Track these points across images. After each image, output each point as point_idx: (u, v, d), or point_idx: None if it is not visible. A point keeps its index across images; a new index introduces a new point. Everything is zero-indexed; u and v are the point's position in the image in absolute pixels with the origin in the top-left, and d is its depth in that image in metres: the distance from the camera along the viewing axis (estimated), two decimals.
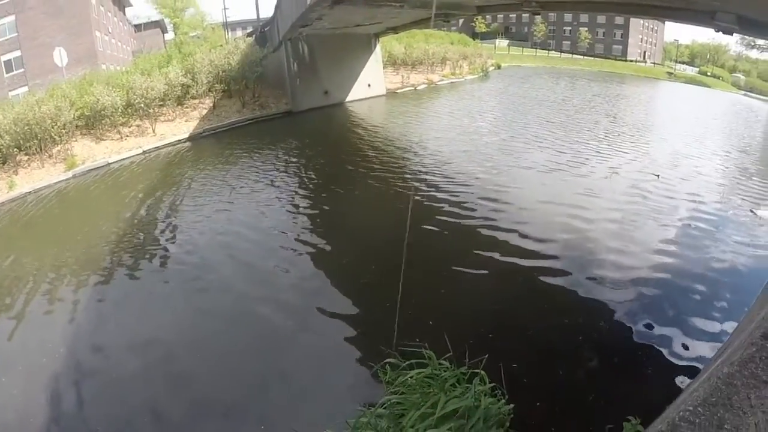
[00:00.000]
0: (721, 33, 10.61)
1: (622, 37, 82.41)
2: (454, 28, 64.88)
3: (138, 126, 22.20)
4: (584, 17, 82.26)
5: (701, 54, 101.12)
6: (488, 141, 19.36)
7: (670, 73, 74.63)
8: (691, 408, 2.45)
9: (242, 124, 25.14)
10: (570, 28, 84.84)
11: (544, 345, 6.65)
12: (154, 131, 22.17)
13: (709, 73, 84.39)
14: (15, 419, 6.17)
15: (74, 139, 19.86)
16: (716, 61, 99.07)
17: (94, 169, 18.67)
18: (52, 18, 37.25)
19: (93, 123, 20.78)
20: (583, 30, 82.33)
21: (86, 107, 20.38)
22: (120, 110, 21.20)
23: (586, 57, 73.92)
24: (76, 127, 20.09)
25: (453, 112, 26.75)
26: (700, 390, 2.58)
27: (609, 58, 75.74)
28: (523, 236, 10.15)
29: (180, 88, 24.13)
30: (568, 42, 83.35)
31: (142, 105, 21.87)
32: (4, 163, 17.67)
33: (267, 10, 45.20)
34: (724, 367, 2.60)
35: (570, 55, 73.46)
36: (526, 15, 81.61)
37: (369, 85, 31.81)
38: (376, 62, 32.54)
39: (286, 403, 6.00)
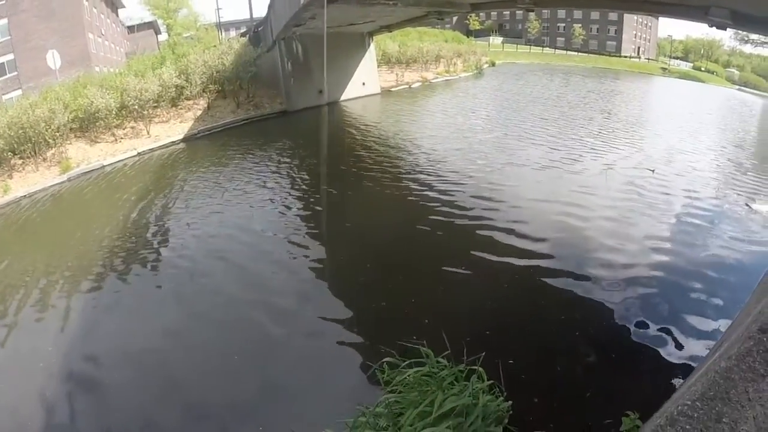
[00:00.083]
0: (714, 28, 10.63)
1: (616, 33, 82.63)
2: (448, 25, 65.01)
3: (132, 128, 22.13)
4: (578, 13, 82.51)
5: (695, 49, 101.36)
6: (483, 138, 19.34)
7: (664, 69, 74.91)
8: (689, 402, 2.45)
9: (237, 124, 25.10)
10: (564, 24, 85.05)
11: (542, 341, 6.64)
12: (148, 133, 22.12)
13: (703, 69, 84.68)
14: (9, 427, 6.14)
15: (68, 142, 19.79)
16: (710, 56, 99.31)
17: (89, 171, 18.62)
18: (44, 20, 37.13)
19: (87, 125, 20.71)
20: (577, 26, 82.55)
21: (80, 110, 20.31)
22: (114, 112, 21.11)
23: (580, 53, 73.94)
24: (71, 129, 20.01)
25: (447, 110, 26.74)
26: (698, 384, 2.58)
27: (603, 55, 75.92)
28: (519, 234, 10.13)
29: (174, 89, 24.05)
30: (562, 38, 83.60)
31: (136, 107, 21.80)
32: None
33: (260, 10, 45.23)
34: (722, 361, 2.60)
35: (564, 52, 73.48)
36: (520, 12, 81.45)
37: (363, 84, 31.79)
38: (371, 61, 32.52)
39: (285, 404, 5.98)
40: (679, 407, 2.45)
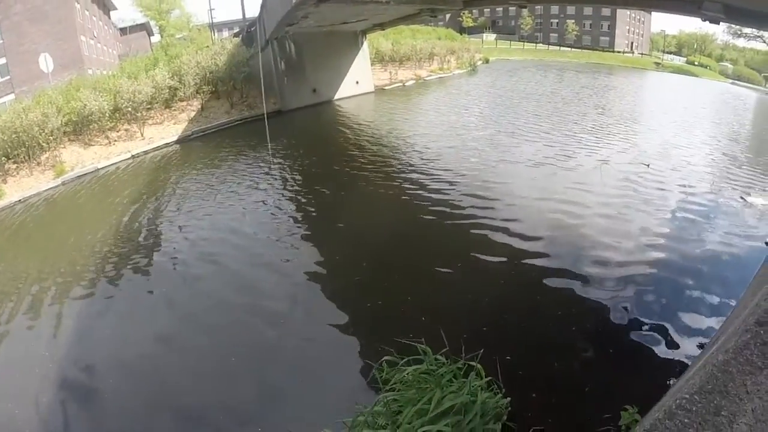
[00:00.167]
0: (707, 22, 10.65)
1: (609, 29, 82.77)
2: (441, 23, 65.00)
3: (126, 130, 22.05)
4: (571, 9, 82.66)
5: (688, 44, 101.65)
6: (476, 136, 19.33)
7: (657, 64, 74.99)
8: (687, 396, 2.44)
9: (231, 124, 25.03)
10: (557, 20, 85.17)
11: (539, 337, 6.64)
12: (142, 135, 22.05)
13: (696, 63, 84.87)
14: None
15: (62, 145, 19.70)
16: (703, 50, 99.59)
17: (83, 175, 18.54)
18: (37, 24, 37.00)
19: (81, 128, 20.61)
20: (570, 22, 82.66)
21: (73, 113, 20.21)
22: (107, 115, 21.02)
23: (573, 49, 74.06)
24: (64, 133, 19.91)
25: (441, 108, 26.73)
26: (696, 378, 2.58)
27: (596, 50, 75.97)
28: (514, 231, 10.13)
29: (167, 90, 23.97)
30: (556, 34, 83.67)
31: (130, 109, 21.71)
32: None
33: (253, 10, 45.11)
34: (719, 355, 2.59)
35: (557, 48, 73.58)
36: (513, 8, 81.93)
37: (357, 83, 31.74)
38: (364, 59, 32.47)
39: (283, 405, 5.96)
40: (678, 401, 2.45)
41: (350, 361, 6.45)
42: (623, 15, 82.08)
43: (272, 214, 12.48)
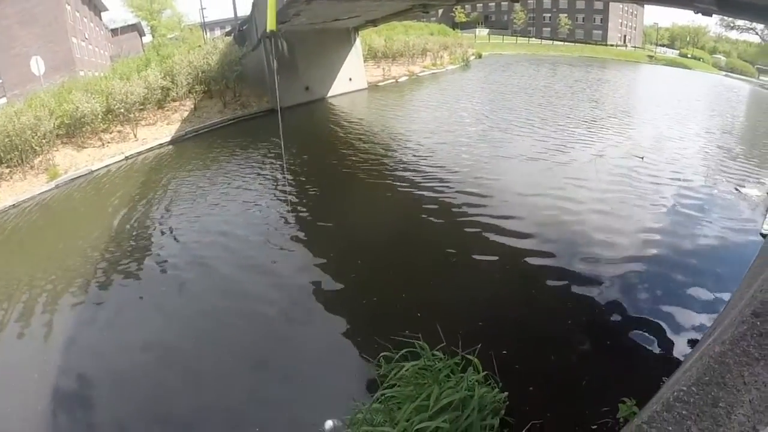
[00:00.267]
0: (700, 15, 10.63)
1: (601, 22, 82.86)
2: (433, 18, 64.93)
3: (119, 132, 21.92)
4: (563, 3, 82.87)
5: (681, 36, 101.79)
6: (470, 131, 19.32)
7: (650, 57, 75.08)
8: (684, 388, 2.44)
9: (224, 124, 24.91)
10: (549, 14, 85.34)
11: (535, 331, 6.65)
12: (135, 136, 21.93)
13: (689, 55, 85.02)
14: None
15: (55, 148, 19.56)
16: (696, 43, 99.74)
17: (77, 178, 18.40)
18: (27, 26, 36.81)
19: (74, 131, 20.46)
20: (563, 16, 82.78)
21: (66, 115, 20.05)
22: (100, 116, 20.85)
23: (566, 43, 74.10)
24: (57, 136, 19.75)
25: (434, 104, 26.70)
26: (693, 369, 2.57)
27: (589, 44, 76.08)
28: (508, 226, 10.13)
29: (160, 91, 23.81)
30: (548, 29, 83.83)
31: (122, 110, 21.55)
32: None
33: (245, 9, 45.00)
34: (716, 346, 2.59)
35: (550, 42, 73.60)
36: (506, 3, 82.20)
37: (350, 79, 31.69)
38: (357, 56, 32.41)
39: (281, 405, 5.95)
40: (675, 393, 2.45)
41: (347, 358, 6.45)
42: (616, 8, 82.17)
43: (265, 214, 12.37)
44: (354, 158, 16.27)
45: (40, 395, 6.68)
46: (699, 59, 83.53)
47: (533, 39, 74.46)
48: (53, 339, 8.13)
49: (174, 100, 24.73)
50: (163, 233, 11.96)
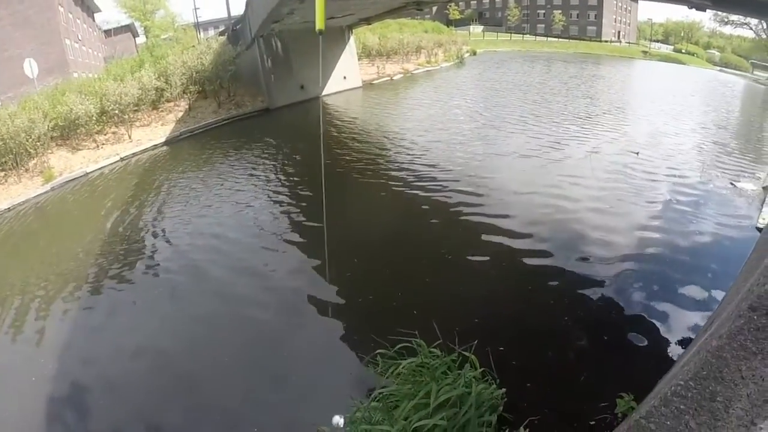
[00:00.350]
0: (694, 10, 10.65)
1: (596, 18, 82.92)
2: (427, 16, 65.03)
3: (114, 133, 21.91)
4: (557, 0, 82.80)
5: (675, 32, 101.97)
6: (465, 129, 19.32)
7: (645, 52, 75.23)
8: (682, 382, 2.44)
9: (219, 124, 24.94)
10: (543, 11, 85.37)
11: (532, 328, 6.64)
12: (130, 137, 21.91)
13: (683, 51, 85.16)
14: None
15: (50, 150, 19.52)
16: (690, 38, 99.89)
17: (72, 180, 18.38)
18: (20, 28, 36.65)
19: (68, 133, 20.45)
20: (557, 12, 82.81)
21: (60, 117, 20.02)
22: (94, 118, 20.84)
23: (561, 39, 74.20)
24: (51, 138, 19.73)
25: (429, 101, 26.70)
26: (691, 364, 2.57)
27: (584, 40, 76.13)
28: (504, 223, 10.13)
29: (154, 91, 23.84)
30: (542, 25, 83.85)
31: (117, 111, 21.55)
32: None
33: (238, 8, 44.89)
34: (713, 340, 2.59)
35: (545, 38, 73.67)
36: (500, 0, 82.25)
37: (345, 78, 31.72)
38: (351, 54, 32.45)
39: (279, 405, 5.94)
40: (673, 387, 2.45)
41: (344, 357, 6.45)
42: (610, 4, 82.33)
43: (259, 214, 12.35)
44: (348, 158, 16.25)
45: (33, 400, 6.66)
46: (693, 54, 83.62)
47: (527, 36, 74.55)
48: (45, 344, 8.10)
49: (168, 101, 24.73)
50: (156, 236, 11.93)
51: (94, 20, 55.93)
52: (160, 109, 24.48)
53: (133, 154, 20.95)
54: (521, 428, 4.47)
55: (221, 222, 12.11)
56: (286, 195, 13.44)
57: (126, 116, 21.94)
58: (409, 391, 4.60)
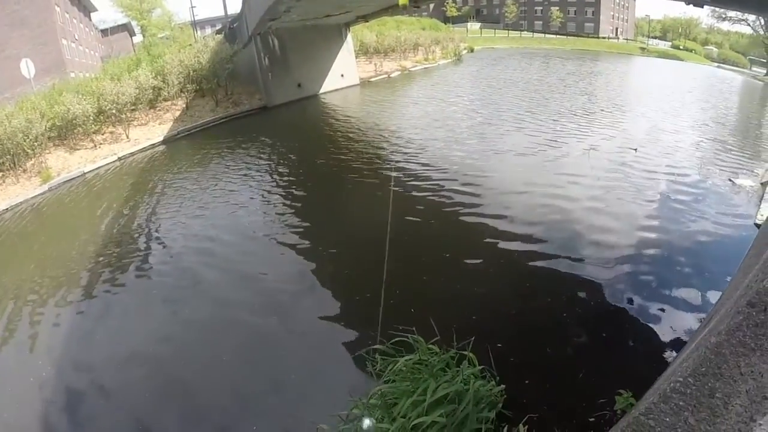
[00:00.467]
0: (692, 6, 10.63)
1: (593, 15, 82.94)
2: (425, 13, 65.01)
3: (111, 132, 21.85)
4: None
5: (673, 28, 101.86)
6: (463, 126, 19.30)
7: (643, 49, 75.23)
8: (681, 379, 2.43)
9: (216, 123, 24.88)
10: (541, 7, 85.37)
11: (530, 324, 6.64)
12: (128, 137, 21.86)
13: (681, 47, 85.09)
14: None
15: (47, 151, 19.46)
16: (688, 34, 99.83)
17: (70, 180, 18.31)
18: (16, 29, 36.61)
19: (65, 133, 20.39)
20: (555, 9, 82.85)
21: (57, 117, 19.96)
22: (92, 118, 20.78)
23: (558, 36, 74.19)
24: (49, 138, 19.67)
25: (427, 99, 26.67)
26: (690, 360, 2.56)
27: (581, 36, 76.19)
28: (502, 220, 10.14)
29: (151, 90, 23.78)
30: (540, 22, 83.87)
31: (114, 111, 21.49)
32: None
33: (235, 6, 44.77)
34: (712, 337, 2.58)
35: (542, 35, 73.62)
36: None
37: (342, 76, 31.70)
38: (348, 52, 32.41)
39: (278, 404, 5.94)
40: (672, 384, 2.44)
41: (343, 356, 6.43)
42: (608, 1, 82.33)
43: (255, 214, 12.35)
44: (347, 155, 16.24)
45: (26, 405, 6.64)
46: (691, 51, 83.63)
47: (525, 32, 74.42)
48: (39, 348, 8.05)
49: (166, 100, 24.69)
50: (151, 237, 11.88)
51: (90, 20, 55.87)
52: (158, 108, 24.43)
53: (130, 153, 20.89)
54: (520, 425, 4.47)
55: (216, 224, 12.04)
56: (280, 195, 13.41)
57: (123, 116, 21.89)
58: (408, 388, 4.60)
